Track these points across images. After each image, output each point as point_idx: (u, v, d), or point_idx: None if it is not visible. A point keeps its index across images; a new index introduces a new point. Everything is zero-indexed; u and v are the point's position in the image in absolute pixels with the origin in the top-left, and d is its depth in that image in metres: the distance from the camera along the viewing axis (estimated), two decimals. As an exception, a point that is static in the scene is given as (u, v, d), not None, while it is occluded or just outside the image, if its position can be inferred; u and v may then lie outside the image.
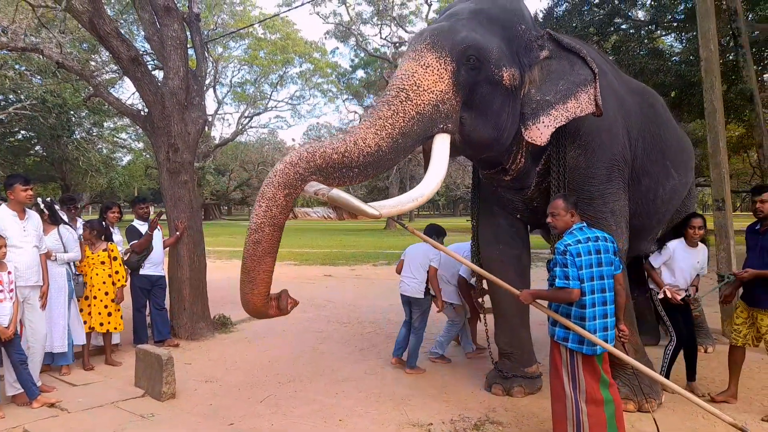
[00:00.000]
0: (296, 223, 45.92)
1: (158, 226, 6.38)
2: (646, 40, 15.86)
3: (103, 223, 5.95)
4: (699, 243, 4.79)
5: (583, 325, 3.32)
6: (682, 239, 4.77)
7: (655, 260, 4.83)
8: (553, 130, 3.91)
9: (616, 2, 14.89)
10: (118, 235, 6.32)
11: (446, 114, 3.61)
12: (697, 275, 4.84)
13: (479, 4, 4.03)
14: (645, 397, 4.19)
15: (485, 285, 5.28)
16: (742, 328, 4.40)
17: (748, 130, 15.04)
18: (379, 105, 3.47)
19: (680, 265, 4.68)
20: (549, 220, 3.53)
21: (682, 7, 14.70)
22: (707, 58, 6.83)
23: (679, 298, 4.62)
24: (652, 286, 4.87)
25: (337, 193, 3.17)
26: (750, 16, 13.87)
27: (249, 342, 6.54)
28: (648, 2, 16.17)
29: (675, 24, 15.46)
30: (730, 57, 12.44)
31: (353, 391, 4.82)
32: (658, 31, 16.57)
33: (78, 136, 26.20)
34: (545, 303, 3.59)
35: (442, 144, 3.63)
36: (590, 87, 3.91)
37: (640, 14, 17.06)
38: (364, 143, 3.27)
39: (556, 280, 3.32)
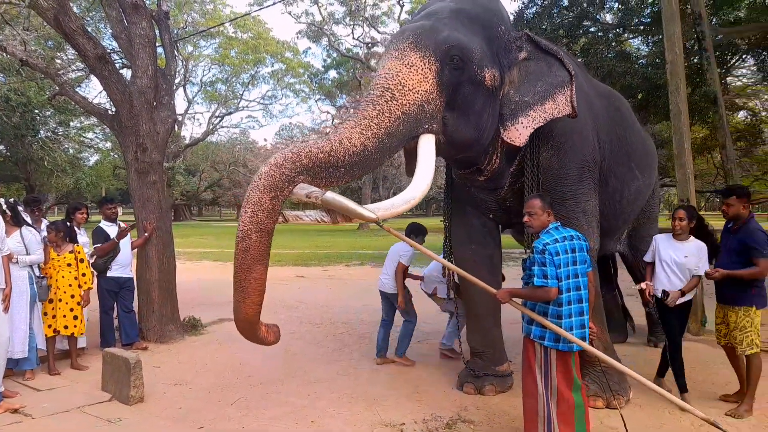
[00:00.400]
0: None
1: (127, 233, 6.29)
2: (613, 43, 16.16)
3: (68, 224, 5.81)
4: (690, 237, 4.53)
5: (559, 323, 3.36)
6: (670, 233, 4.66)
7: (646, 255, 4.80)
8: (532, 130, 3.95)
9: (585, 5, 15.15)
10: (84, 237, 6.19)
11: (431, 114, 3.60)
12: (693, 276, 4.45)
13: (459, 3, 4.02)
14: (613, 394, 4.27)
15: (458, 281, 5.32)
16: (721, 327, 4.49)
17: (711, 132, 15.43)
18: (363, 104, 3.43)
19: (662, 256, 4.56)
20: (526, 219, 3.55)
21: (648, 11, 15.02)
22: (672, 61, 6.98)
23: (649, 293, 4.57)
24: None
25: (332, 195, 3.12)
26: (714, 20, 14.25)
27: (219, 344, 6.47)
28: (616, 6, 16.51)
29: (642, 27, 15.79)
30: (695, 60, 12.74)
31: (325, 392, 4.80)
32: (626, 35, 16.90)
33: (43, 136, 25.51)
34: (520, 301, 3.62)
35: (427, 145, 3.61)
36: (567, 88, 3.98)
37: (608, 17, 17.40)
38: (349, 143, 3.23)
39: (535, 279, 3.34)
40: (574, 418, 3.36)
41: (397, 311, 5.68)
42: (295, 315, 8.13)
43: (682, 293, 4.43)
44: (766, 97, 24.51)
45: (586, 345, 3.40)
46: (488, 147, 4.15)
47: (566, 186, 4.31)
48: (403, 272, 5.47)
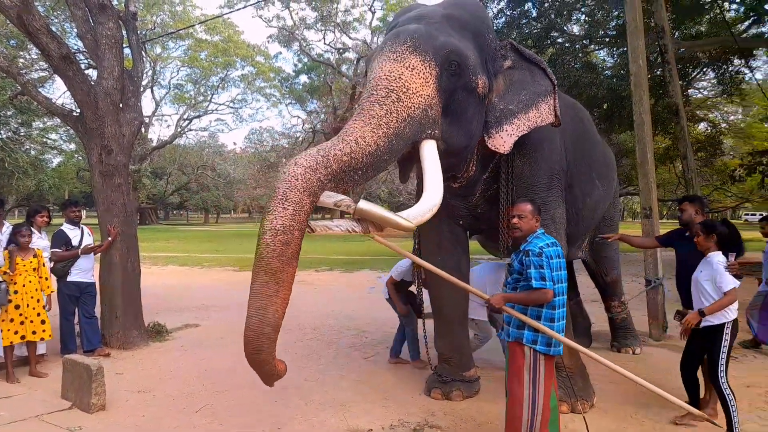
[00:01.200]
0: (237, 229, 45.10)
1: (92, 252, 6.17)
2: (580, 54, 16.51)
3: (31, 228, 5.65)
4: (712, 254, 4.07)
5: (552, 326, 3.39)
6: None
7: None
8: (516, 138, 3.99)
9: (553, 17, 15.46)
10: (45, 240, 6.02)
11: (433, 119, 3.57)
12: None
13: (449, 9, 4.02)
14: (578, 398, 4.34)
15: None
16: None
17: (674, 143, 15.85)
18: (369, 104, 3.35)
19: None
20: (515, 221, 3.54)
21: (614, 24, 15.41)
22: (636, 73, 7.17)
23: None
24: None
25: (366, 204, 3.05)
26: (676, 34, 14.68)
27: (185, 350, 6.36)
28: (582, 18, 16.89)
29: (607, 39, 16.18)
30: (658, 72, 13.11)
31: (293, 398, 4.76)
32: (592, 46, 17.29)
33: (4, 136, 24.82)
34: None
35: (431, 150, 3.56)
36: (550, 97, 4.06)
37: (575, 29, 17.79)
38: (364, 142, 3.17)
39: (533, 281, 3.32)
40: (549, 421, 3.42)
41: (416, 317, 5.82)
42: (262, 321, 8.04)
43: (701, 314, 3.97)
44: (725, 109, 25.37)
45: (582, 348, 3.48)
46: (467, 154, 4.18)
47: (537, 194, 4.36)
48: (392, 284, 5.71)
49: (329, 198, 3.04)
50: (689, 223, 4.55)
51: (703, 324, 3.99)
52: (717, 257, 4.02)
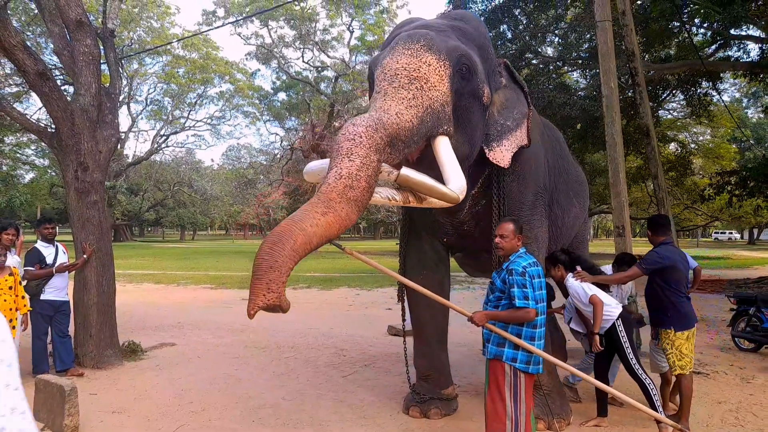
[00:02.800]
0: (213, 246, 44.65)
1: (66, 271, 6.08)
2: (554, 75, 16.87)
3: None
4: (567, 280, 4.72)
5: (532, 344, 3.44)
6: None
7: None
8: (512, 154, 4.06)
9: (528, 39, 15.81)
10: (15, 257, 5.91)
11: (448, 116, 3.56)
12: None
13: (453, 21, 4.07)
14: (554, 417, 4.38)
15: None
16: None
17: (645, 162, 16.21)
18: (394, 89, 3.34)
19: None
20: (497, 240, 3.59)
21: (586, 46, 15.80)
22: (608, 95, 7.37)
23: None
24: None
25: (410, 171, 3.00)
26: (646, 57, 15.10)
27: (160, 370, 6.28)
28: (556, 40, 17.28)
29: (580, 61, 16.57)
30: (629, 94, 13.44)
31: (270, 418, 4.73)
32: (565, 68, 17.68)
33: (-26, 151, 24.38)
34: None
35: (447, 145, 3.54)
36: (526, 120, 4.16)
37: (549, 51, 18.20)
38: (403, 117, 3.17)
39: (516, 300, 3.37)
40: None
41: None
42: (240, 339, 7.99)
43: (593, 334, 4.40)
44: (694, 130, 26.07)
45: (568, 366, 3.53)
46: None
47: (523, 212, 4.41)
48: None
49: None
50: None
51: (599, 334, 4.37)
52: (569, 281, 4.63)
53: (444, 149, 3.53)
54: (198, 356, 6.80)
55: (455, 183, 3.37)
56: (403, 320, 5.43)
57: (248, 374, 6.12)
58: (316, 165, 3.89)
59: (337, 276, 18.05)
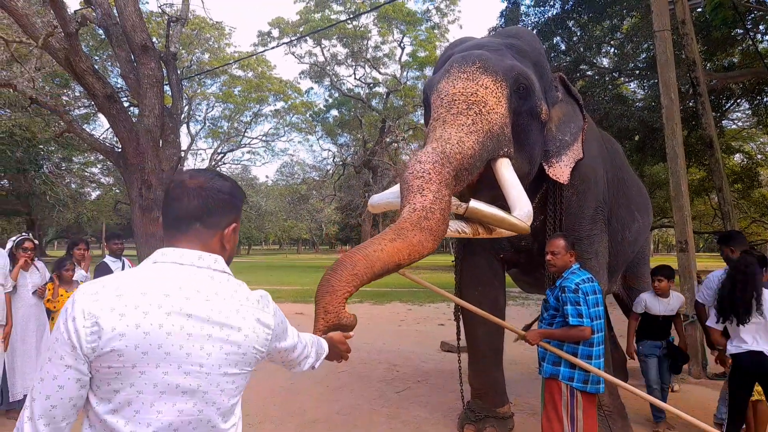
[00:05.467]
0: (268, 260, 45.47)
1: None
2: (610, 87, 16.50)
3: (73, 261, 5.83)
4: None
5: (589, 364, 3.35)
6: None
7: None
8: (570, 169, 4.00)
9: (582, 50, 15.55)
10: (82, 272, 6.18)
11: (508, 138, 3.50)
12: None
13: (507, 39, 4.04)
14: (616, 438, 4.24)
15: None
16: None
17: (708, 174, 15.60)
18: (453, 116, 3.33)
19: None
20: (549, 257, 3.54)
21: (643, 56, 15.41)
22: (668, 106, 7.14)
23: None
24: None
25: (479, 204, 3.02)
26: (708, 65, 14.59)
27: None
28: (612, 50, 16.92)
29: (637, 72, 16.16)
30: (690, 104, 13.01)
31: (325, 432, 4.76)
32: (622, 78, 17.28)
33: (46, 170, 25.80)
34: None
35: (509, 166, 3.48)
36: (581, 133, 4.10)
37: (605, 62, 17.83)
38: (465, 145, 3.16)
39: (570, 318, 3.31)
40: None
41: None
42: (294, 353, 8.08)
43: None
44: (761, 140, 24.91)
45: (625, 384, 3.43)
46: None
47: (583, 226, 4.32)
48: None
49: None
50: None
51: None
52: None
53: (506, 172, 3.46)
54: (256, 369, 6.90)
55: (521, 210, 3.30)
56: (458, 337, 5.38)
57: (303, 387, 6.18)
58: (381, 197, 3.91)
59: (389, 291, 18.06)
